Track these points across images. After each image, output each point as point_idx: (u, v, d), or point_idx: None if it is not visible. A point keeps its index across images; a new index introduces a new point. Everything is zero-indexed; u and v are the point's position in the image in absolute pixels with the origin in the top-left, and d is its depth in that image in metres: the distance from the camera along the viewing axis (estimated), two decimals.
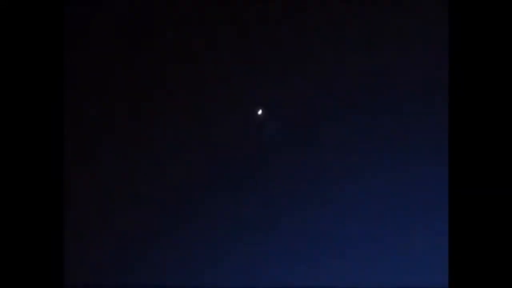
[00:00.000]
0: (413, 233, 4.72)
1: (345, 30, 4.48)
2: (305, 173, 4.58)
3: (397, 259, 4.73)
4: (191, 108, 4.55)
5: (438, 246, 4.45)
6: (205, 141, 4.56)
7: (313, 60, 4.51)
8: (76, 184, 4.46)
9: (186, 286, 4.60)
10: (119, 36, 4.52)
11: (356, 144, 4.57)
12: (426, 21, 4.39)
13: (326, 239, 4.75)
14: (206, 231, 4.61)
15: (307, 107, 4.56)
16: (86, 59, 4.48)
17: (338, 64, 4.49)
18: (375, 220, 4.83)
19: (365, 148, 4.55)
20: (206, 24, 4.49)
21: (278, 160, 4.61)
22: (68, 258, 3.23)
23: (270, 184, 4.62)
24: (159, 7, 4.49)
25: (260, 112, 4.47)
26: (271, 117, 4.54)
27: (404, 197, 4.80)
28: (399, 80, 4.49)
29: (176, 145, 4.58)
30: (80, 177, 4.49)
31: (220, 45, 4.52)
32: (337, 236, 4.78)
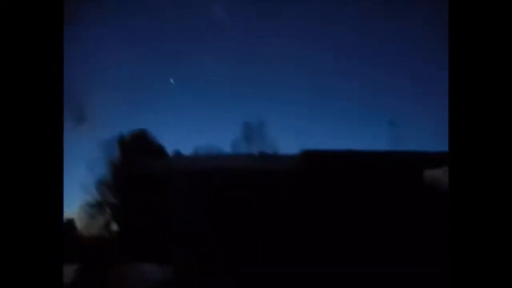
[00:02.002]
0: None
1: (345, 30, 4.49)
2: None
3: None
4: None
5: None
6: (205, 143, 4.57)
7: (311, 65, 4.52)
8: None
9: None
10: (119, 35, 4.53)
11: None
12: (426, 21, 4.40)
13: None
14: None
15: (307, 108, 4.58)
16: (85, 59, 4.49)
17: (337, 66, 4.50)
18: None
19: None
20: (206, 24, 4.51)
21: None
22: (68, 259, 3.23)
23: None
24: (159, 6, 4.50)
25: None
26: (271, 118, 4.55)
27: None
28: (399, 79, 4.51)
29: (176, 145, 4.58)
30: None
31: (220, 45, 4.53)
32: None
